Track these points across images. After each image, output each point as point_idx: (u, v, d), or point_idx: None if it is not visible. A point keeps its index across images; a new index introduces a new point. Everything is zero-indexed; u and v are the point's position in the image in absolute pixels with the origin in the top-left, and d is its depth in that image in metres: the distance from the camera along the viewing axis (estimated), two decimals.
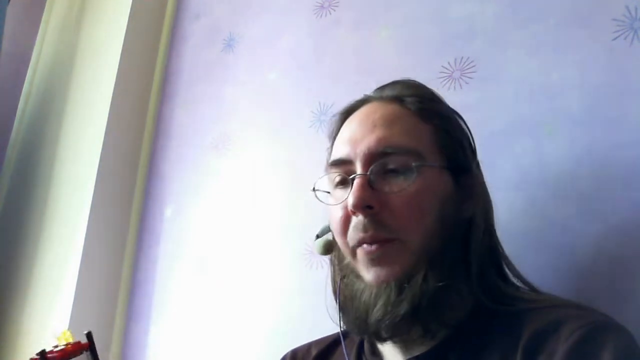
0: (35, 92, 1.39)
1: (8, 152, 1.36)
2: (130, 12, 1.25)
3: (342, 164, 0.56)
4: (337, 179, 0.57)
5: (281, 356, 0.71)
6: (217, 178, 1.09)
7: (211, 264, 1.03)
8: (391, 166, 0.53)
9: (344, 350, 0.60)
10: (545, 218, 0.67)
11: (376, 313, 0.50)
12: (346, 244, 0.55)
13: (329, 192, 0.59)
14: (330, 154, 0.62)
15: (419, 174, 0.53)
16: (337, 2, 1.01)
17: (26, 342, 1.09)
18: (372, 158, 0.54)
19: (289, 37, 1.06)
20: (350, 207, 0.52)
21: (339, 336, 0.64)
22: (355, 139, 0.56)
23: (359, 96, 0.63)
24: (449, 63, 0.82)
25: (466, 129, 0.60)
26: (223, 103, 1.14)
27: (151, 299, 1.10)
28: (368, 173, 0.53)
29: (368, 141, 0.54)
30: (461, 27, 0.83)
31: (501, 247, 0.58)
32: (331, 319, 0.59)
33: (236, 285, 0.98)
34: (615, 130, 0.65)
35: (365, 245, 0.52)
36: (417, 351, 0.54)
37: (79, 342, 0.31)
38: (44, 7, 1.50)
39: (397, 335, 0.52)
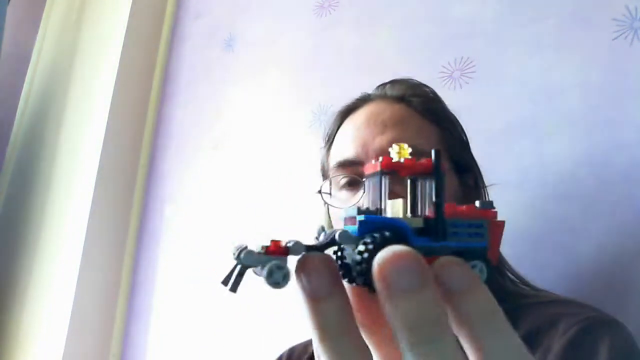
0: (35, 92, 1.39)
1: (8, 152, 1.36)
2: (130, 12, 1.25)
3: (351, 165, 0.54)
4: (344, 180, 0.55)
5: (279, 354, 0.71)
6: (217, 178, 1.09)
7: (211, 263, 1.03)
8: None
9: None
10: (545, 218, 0.67)
11: None
12: None
13: (329, 194, 0.58)
14: (326, 153, 0.61)
15: None
16: (337, 2, 1.01)
17: (26, 342, 1.09)
18: None
19: (289, 37, 1.06)
20: None
21: None
22: (364, 140, 0.54)
23: (359, 96, 0.63)
24: (449, 63, 0.82)
25: (461, 127, 0.60)
26: (223, 103, 1.14)
27: (151, 299, 1.10)
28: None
29: (380, 142, 0.53)
30: (461, 27, 0.83)
31: None
32: None
33: None
34: (615, 130, 0.65)
35: None
36: None
37: (427, 162, 0.23)
38: (44, 7, 1.50)
39: None
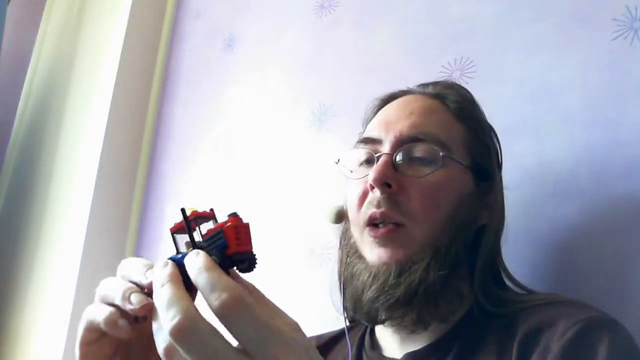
0: (35, 92, 1.39)
1: (8, 152, 1.36)
2: (130, 12, 1.25)
3: (371, 143, 0.57)
4: (363, 157, 0.58)
5: None
6: (217, 178, 1.09)
7: None
8: (418, 154, 0.54)
9: (348, 342, 0.60)
10: (545, 217, 0.67)
11: (370, 293, 0.51)
12: (358, 219, 0.56)
13: (350, 171, 0.60)
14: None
15: (443, 165, 0.54)
16: (337, 2, 1.01)
17: (26, 342, 1.09)
18: (402, 141, 0.55)
19: (289, 37, 1.06)
20: (369, 182, 0.53)
21: (339, 332, 0.65)
22: (389, 121, 0.57)
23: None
24: (449, 63, 0.82)
25: (497, 143, 0.62)
26: (223, 103, 1.14)
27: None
28: (394, 154, 0.54)
29: (402, 125, 0.56)
30: (461, 27, 0.83)
31: (501, 254, 0.59)
32: (333, 304, 0.62)
33: None
34: (615, 130, 0.65)
35: (371, 228, 0.53)
36: (416, 346, 0.54)
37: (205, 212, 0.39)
38: (44, 7, 1.50)
39: (390, 318, 0.53)
